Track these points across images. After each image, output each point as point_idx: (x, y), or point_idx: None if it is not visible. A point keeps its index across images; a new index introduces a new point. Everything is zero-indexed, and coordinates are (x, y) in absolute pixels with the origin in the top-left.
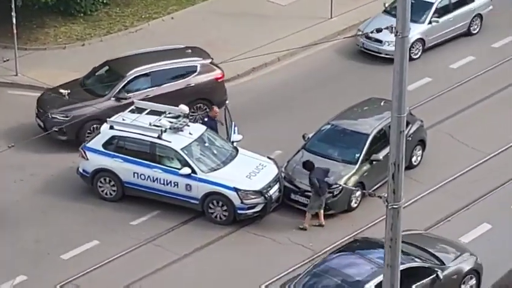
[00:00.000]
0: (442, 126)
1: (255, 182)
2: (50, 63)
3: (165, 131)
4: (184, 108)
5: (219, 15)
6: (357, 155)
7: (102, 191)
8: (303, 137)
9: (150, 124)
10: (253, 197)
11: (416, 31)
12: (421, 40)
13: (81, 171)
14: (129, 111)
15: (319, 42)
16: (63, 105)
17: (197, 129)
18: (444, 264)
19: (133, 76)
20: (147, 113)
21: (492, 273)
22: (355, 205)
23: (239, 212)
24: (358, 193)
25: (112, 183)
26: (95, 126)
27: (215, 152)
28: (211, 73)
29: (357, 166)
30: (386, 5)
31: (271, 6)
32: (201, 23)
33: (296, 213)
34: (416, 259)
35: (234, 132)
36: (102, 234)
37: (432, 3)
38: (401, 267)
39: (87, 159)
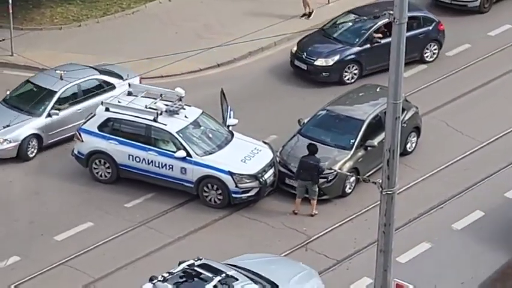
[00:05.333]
0: (437, 114)
1: (249, 166)
2: (45, 43)
3: (160, 114)
4: (180, 91)
5: None
6: (352, 141)
7: (97, 173)
8: (299, 122)
9: (145, 107)
10: (247, 181)
11: (29, 126)
12: (37, 137)
13: (76, 153)
14: (125, 93)
15: (316, 28)
16: None
17: (193, 112)
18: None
19: None
20: (143, 96)
21: (483, 261)
22: (350, 191)
23: (233, 195)
24: (353, 179)
25: (107, 165)
26: None
27: (210, 135)
28: None
29: (352, 152)
30: (8, 92)
31: None
32: (199, 5)
33: (290, 198)
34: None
35: (230, 116)
36: (96, 216)
37: (55, 92)
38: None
39: (82, 141)
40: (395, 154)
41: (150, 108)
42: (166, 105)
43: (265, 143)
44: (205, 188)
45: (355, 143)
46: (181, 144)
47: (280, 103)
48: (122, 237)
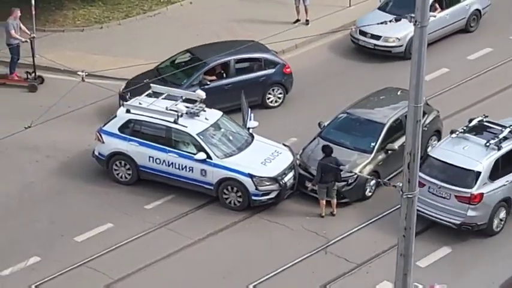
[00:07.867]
0: (458, 117)
1: (270, 168)
2: (67, 45)
3: (181, 116)
4: (201, 93)
5: (238, 0)
6: (373, 144)
7: (117, 174)
8: (319, 125)
9: (166, 108)
10: (267, 183)
11: None
12: None
13: (96, 154)
14: (146, 95)
15: (336, 30)
16: None
17: (213, 114)
18: None
19: None
20: (164, 98)
21: (504, 266)
22: (370, 194)
23: (253, 198)
24: (373, 182)
25: (127, 166)
26: None
27: (231, 137)
28: None
29: (372, 155)
30: None
31: None
32: (220, 8)
33: (310, 201)
34: None
35: (250, 119)
36: (116, 218)
37: None
38: None
39: (103, 142)
40: (416, 158)
41: (170, 110)
42: (187, 107)
43: (285, 145)
44: (225, 190)
45: (376, 146)
46: (201, 146)
47: (300, 106)
48: (141, 239)
